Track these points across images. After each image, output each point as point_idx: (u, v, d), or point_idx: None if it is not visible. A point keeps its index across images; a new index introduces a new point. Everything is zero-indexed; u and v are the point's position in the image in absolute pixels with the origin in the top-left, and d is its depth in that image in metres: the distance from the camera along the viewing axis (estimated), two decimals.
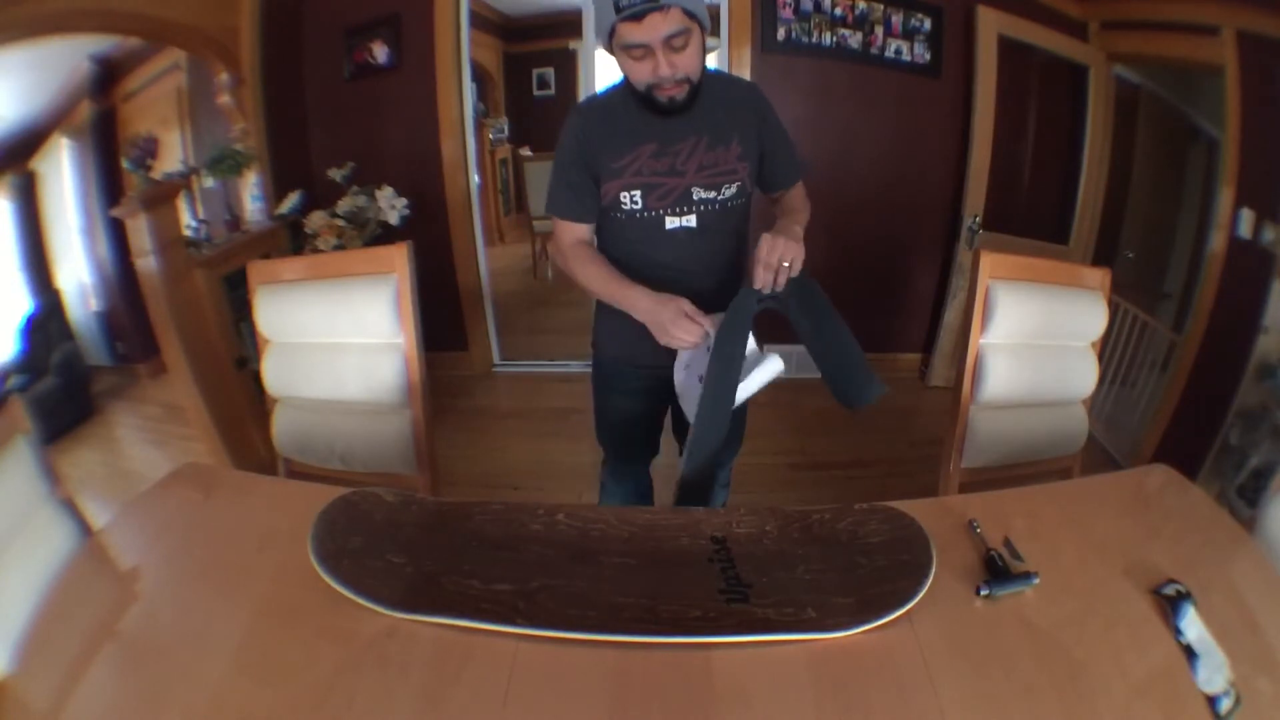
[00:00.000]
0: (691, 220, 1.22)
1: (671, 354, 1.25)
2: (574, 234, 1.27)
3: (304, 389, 1.37)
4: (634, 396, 1.43)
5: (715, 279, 1.29)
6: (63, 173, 2.43)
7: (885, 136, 2.80)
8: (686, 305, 1.11)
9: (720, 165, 1.21)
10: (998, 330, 1.35)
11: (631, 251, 1.26)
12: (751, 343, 1.14)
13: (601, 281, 1.22)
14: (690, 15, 1.05)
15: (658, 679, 0.73)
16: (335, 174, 2.65)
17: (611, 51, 1.13)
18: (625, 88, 1.19)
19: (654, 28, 1.03)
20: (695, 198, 1.21)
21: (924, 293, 3.06)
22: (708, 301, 1.30)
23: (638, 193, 1.20)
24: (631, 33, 1.04)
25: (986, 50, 2.65)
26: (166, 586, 0.89)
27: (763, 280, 1.07)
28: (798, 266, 1.07)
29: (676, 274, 1.25)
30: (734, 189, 1.23)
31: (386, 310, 1.31)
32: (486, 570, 0.85)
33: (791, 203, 1.32)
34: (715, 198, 1.22)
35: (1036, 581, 0.84)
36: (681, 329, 1.10)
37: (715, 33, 2.87)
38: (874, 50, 2.70)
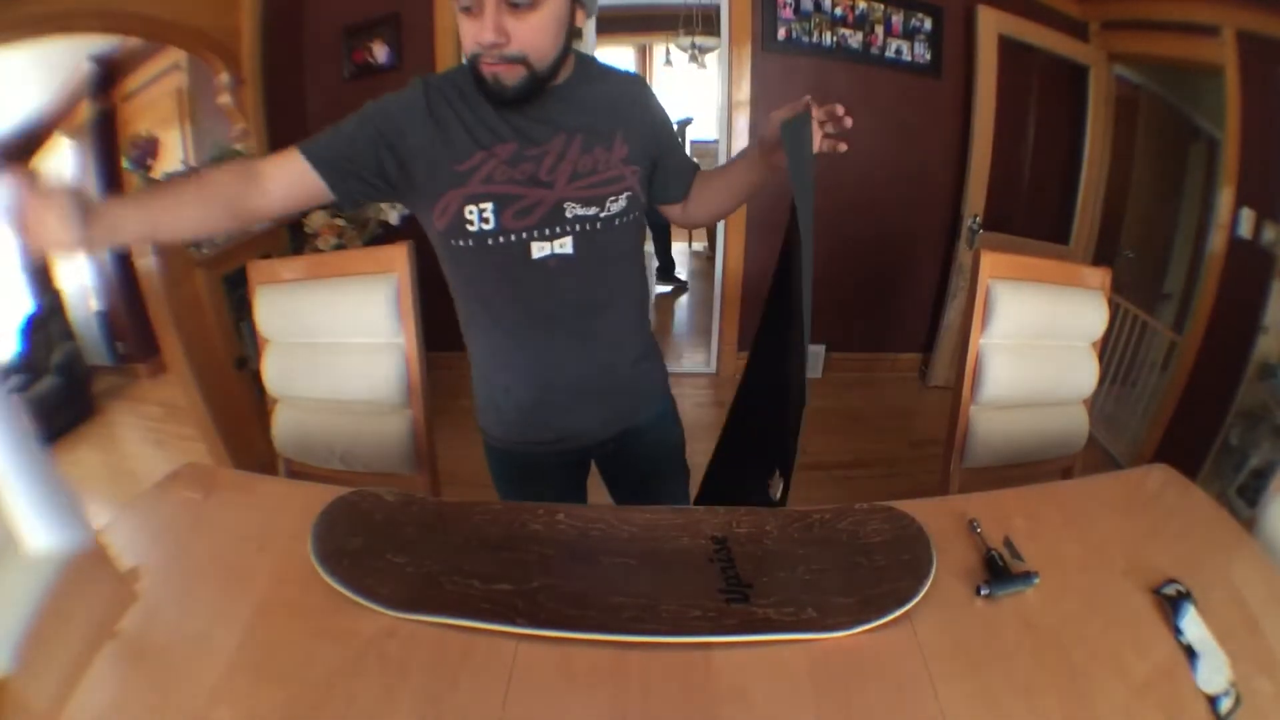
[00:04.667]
0: (567, 245, 0.94)
1: (576, 421, 1.07)
2: (275, 165, 0.90)
3: (304, 389, 1.37)
4: (541, 481, 1.15)
5: (610, 328, 1.04)
6: (63, 173, 2.43)
7: (885, 136, 2.80)
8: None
9: (601, 171, 0.94)
10: (998, 330, 1.35)
11: (490, 293, 0.99)
12: None
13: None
14: None
15: (658, 679, 0.73)
16: None
17: None
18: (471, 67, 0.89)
19: None
20: (569, 215, 0.93)
21: (924, 293, 3.06)
22: (609, 355, 1.05)
23: (489, 206, 0.90)
24: None
25: (986, 50, 2.65)
26: (166, 586, 0.88)
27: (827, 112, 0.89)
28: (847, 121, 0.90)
29: (556, 321, 0.99)
30: (623, 201, 0.96)
31: (387, 310, 1.30)
32: (486, 570, 0.85)
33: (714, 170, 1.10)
34: (597, 214, 0.94)
35: (1036, 581, 0.84)
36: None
37: (715, 32, 2.88)
38: (874, 50, 2.71)
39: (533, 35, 0.82)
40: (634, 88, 1.03)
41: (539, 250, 0.94)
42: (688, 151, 1.22)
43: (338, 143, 0.91)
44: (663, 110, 1.05)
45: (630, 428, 1.14)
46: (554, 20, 0.83)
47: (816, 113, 0.90)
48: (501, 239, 0.93)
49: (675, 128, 1.11)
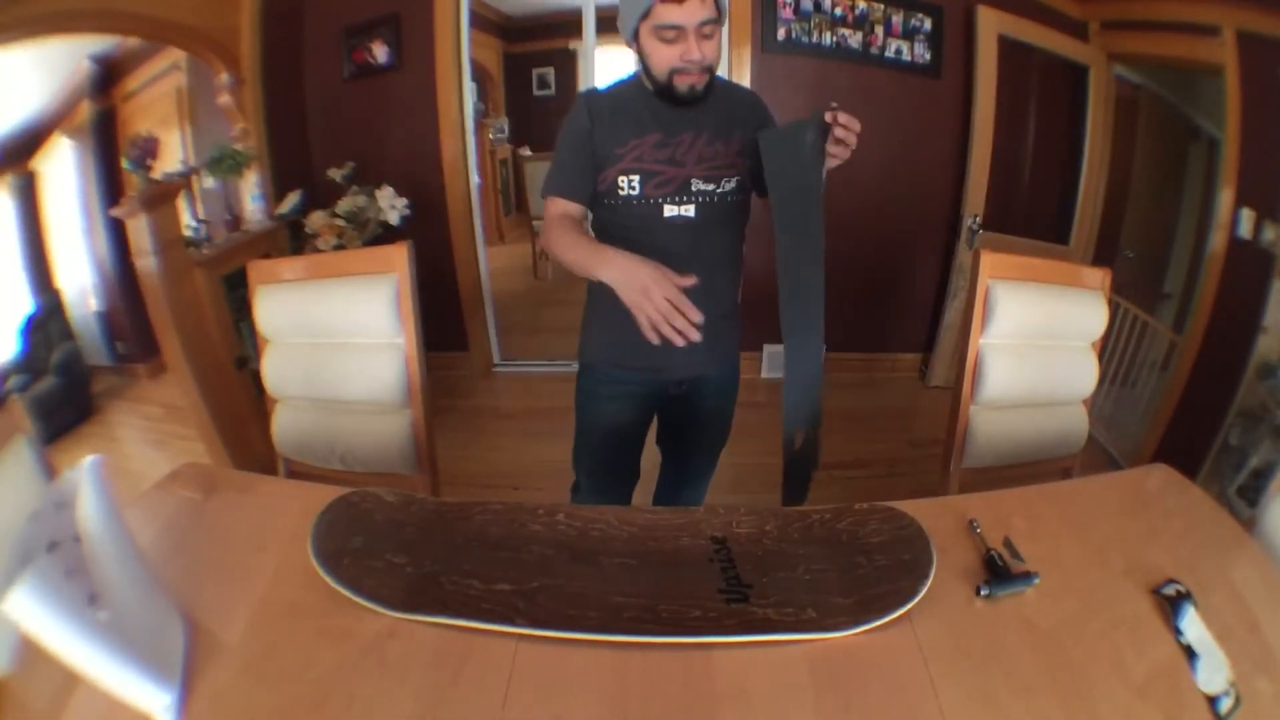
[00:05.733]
0: (690, 210, 1.23)
1: (664, 357, 1.23)
2: (562, 208, 1.24)
3: (304, 389, 1.37)
4: (623, 402, 1.39)
5: (713, 276, 1.27)
6: (63, 173, 2.43)
7: (885, 136, 2.80)
8: (668, 270, 1.02)
9: (720, 159, 1.22)
10: (998, 330, 1.35)
11: (627, 240, 1.21)
12: None
13: (578, 248, 1.14)
14: (719, 8, 1.12)
15: (658, 679, 0.73)
16: (335, 174, 2.65)
17: (632, 38, 1.17)
18: (636, 80, 1.24)
19: (693, 12, 1.09)
20: (694, 188, 1.22)
21: (924, 293, 3.06)
22: (703, 301, 1.29)
23: (636, 178, 1.21)
24: (670, 13, 1.09)
25: (986, 50, 2.65)
26: (167, 586, 0.89)
27: (844, 120, 1.01)
28: (853, 138, 1.05)
29: (674, 266, 1.22)
30: (734, 183, 1.24)
31: (386, 310, 1.31)
32: (486, 570, 0.85)
33: None
34: (714, 190, 1.23)
35: (1036, 581, 0.84)
36: (662, 286, 0.99)
37: None
38: (874, 50, 2.70)
39: (714, 51, 1.16)
40: (749, 100, 1.32)
41: (669, 211, 1.23)
42: None
43: (572, 173, 1.25)
44: (771, 120, 1.31)
45: (703, 375, 1.38)
46: (720, 40, 1.16)
47: (832, 116, 1.04)
48: (643, 201, 1.23)
49: None
